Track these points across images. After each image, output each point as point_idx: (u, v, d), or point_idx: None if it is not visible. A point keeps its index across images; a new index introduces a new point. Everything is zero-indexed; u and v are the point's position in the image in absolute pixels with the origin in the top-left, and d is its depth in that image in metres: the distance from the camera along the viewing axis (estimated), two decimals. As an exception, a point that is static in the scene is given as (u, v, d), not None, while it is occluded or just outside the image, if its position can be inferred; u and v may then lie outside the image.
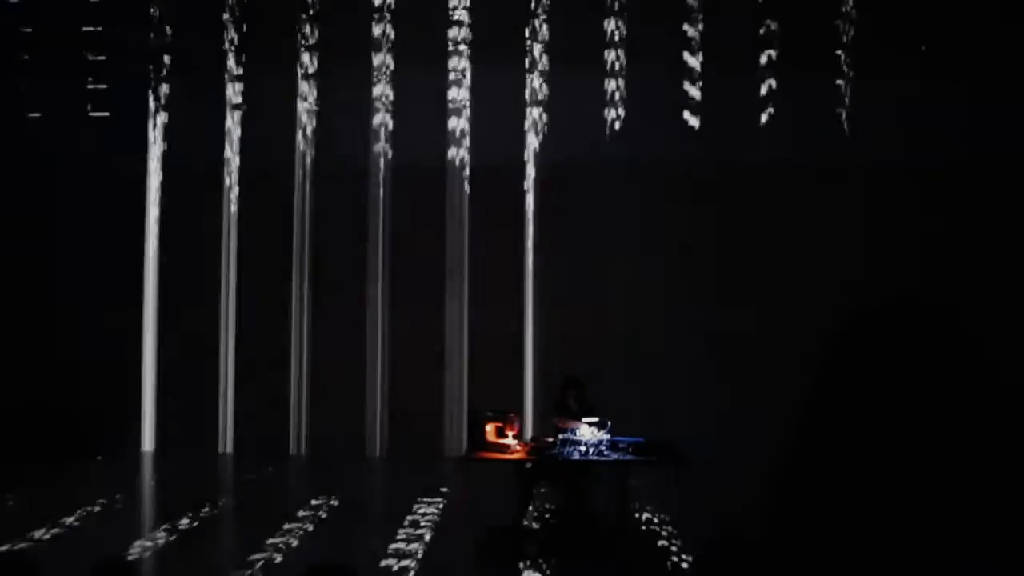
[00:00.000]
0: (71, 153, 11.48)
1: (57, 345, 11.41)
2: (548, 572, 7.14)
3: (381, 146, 11.42)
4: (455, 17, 11.37)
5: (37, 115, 11.74)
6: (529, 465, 7.85)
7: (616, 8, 11.29)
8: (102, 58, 11.63)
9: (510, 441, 7.83)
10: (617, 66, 11.29)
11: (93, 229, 11.47)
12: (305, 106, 11.48)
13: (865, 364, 1.41)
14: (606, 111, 11.33)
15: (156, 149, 11.63)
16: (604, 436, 7.69)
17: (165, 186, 11.61)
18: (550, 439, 7.87)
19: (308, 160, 11.46)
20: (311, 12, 11.42)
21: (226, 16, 11.43)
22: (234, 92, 11.52)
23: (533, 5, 11.32)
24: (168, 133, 11.61)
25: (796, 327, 10.50)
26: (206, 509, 8.83)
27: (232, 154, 11.55)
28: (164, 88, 11.59)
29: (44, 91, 11.71)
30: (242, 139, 11.58)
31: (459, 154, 11.39)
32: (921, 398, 1.38)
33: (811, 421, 1.43)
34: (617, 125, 11.32)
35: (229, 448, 11.52)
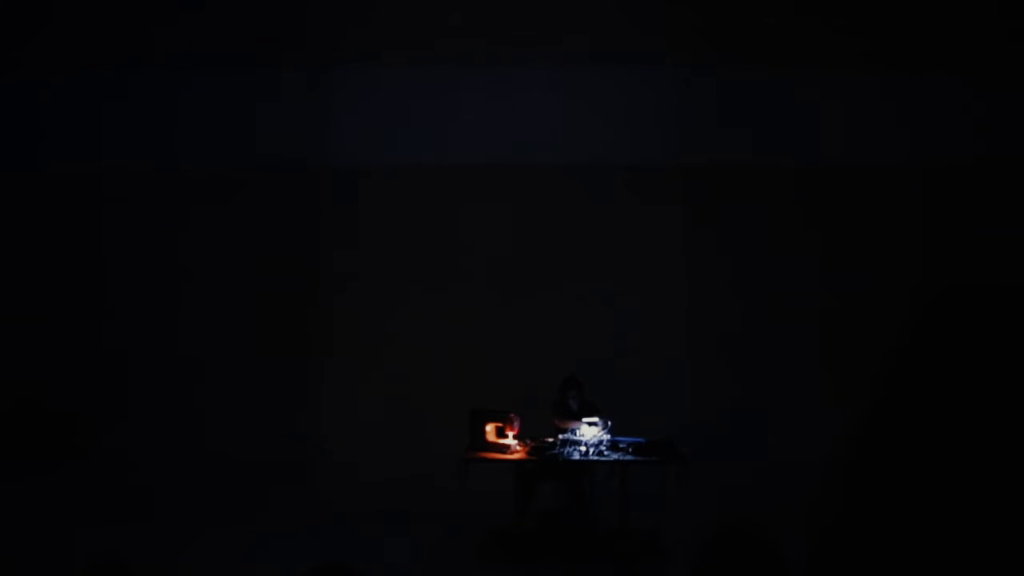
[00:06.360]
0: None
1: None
2: (548, 572, 7.14)
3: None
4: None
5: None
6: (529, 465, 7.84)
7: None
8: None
9: (510, 441, 7.82)
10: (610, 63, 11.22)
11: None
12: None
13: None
14: (603, 110, 11.29)
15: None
16: (604, 436, 7.69)
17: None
18: (550, 439, 7.86)
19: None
20: None
21: None
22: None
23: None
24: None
25: (798, 327, 10.49)
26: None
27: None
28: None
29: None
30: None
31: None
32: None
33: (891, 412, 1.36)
34: (616, 124, 11.28)
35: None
